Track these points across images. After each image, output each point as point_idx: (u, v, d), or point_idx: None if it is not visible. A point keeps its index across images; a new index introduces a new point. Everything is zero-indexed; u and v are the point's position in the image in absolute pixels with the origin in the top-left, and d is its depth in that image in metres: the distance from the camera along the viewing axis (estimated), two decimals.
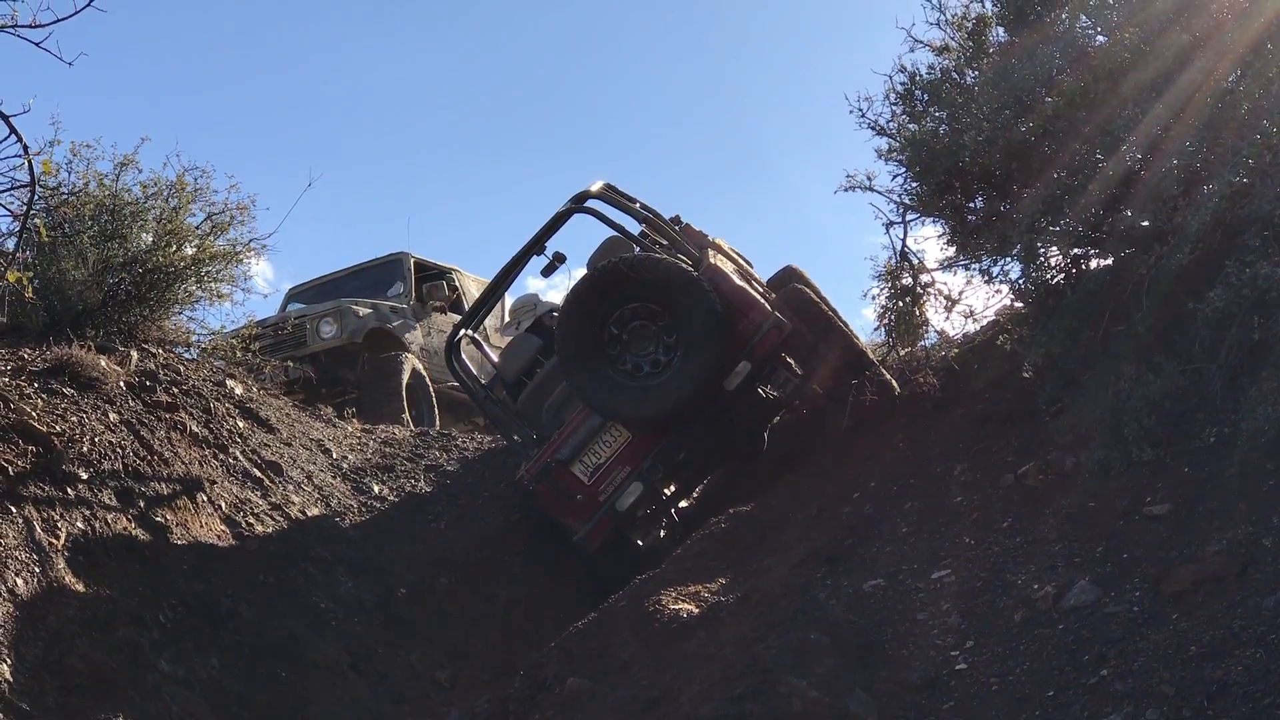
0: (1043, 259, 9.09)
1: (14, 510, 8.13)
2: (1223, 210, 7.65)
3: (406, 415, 16.66)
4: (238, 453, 11.50)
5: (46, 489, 8.65)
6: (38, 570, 7.86)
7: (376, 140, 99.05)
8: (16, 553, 7.82)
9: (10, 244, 11.45)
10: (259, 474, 11.47)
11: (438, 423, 17.41)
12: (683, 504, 12.71)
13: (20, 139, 6.39)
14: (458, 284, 20.02)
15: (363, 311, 17.63)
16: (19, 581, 7.60)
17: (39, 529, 8.21)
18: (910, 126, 10.13)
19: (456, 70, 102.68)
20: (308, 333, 17.23)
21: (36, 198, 6.91)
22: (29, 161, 6.50)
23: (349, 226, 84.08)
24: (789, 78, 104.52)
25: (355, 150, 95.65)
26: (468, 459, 14.23)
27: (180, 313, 13.51)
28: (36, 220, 8.37)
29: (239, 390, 13.00)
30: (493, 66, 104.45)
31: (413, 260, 19.53)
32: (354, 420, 15.31)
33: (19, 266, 7.86)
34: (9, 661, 7.02)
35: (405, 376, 17.11)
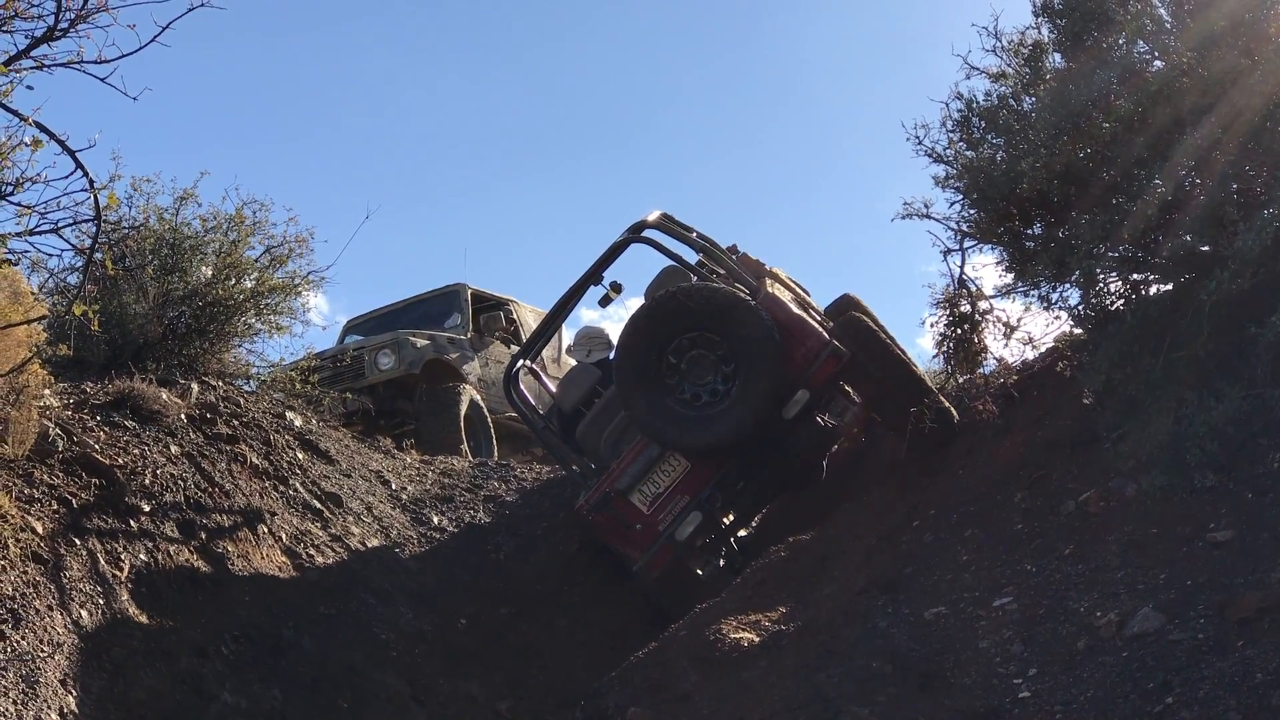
0: (1102, 284, 9.04)
1: (78, 543, 8.20)
2: None
3: (465, 446, 16.69)
4: (298, 484, 11.56)
5: (109, 521, 8.72)
6: (101, 602, 7.92)
7: (434, 172, 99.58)
8: (81, 585, 7.88)
9: (73, 278, 11.60)
10: (319, 505, 11.53)
11: (496, 453, 17.46)
12: (742, 533, 12.70)
13: (86, 173, 6.46)
14: (515, 315, 20.06)
15: (420, 343, 17.69)
16: (83, 613, 7.66)
17: (103, 561, 8.27)
18: (967, 153, 10.10)
19: (513, 101, 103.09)
20: (366, 364, 17.31)
21: (99, 232, 6.97)
22: (94, 196, 6.56)
23: (406, 258, 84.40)
24: (845, 107, 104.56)
25: (412, 182, 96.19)
26: (526, 489, 14.26)
27: (240, 345, 13.66)
28: (101, 254, 8.45)
29: (298, 422, 13.07)
30: (549, 98, 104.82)
31: (470, 291, 19.59)
32: (412, 451, 15.38)
33: (84, 299, 7.90)
34: (75, 693, 7.07)
35: (463, 407, 17.14)
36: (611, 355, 13.28)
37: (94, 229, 6.85)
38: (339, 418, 15.28)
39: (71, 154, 6.41)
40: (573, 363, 14.04)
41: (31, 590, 7.53)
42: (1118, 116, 8.68)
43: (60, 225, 6.82)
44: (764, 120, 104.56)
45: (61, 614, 7.54)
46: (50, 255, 10.49)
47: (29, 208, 6.61)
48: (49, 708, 6.84)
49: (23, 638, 7.12)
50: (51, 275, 12.27)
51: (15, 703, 6.68)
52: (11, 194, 6.60)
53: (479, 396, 17.82)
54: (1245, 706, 5.77)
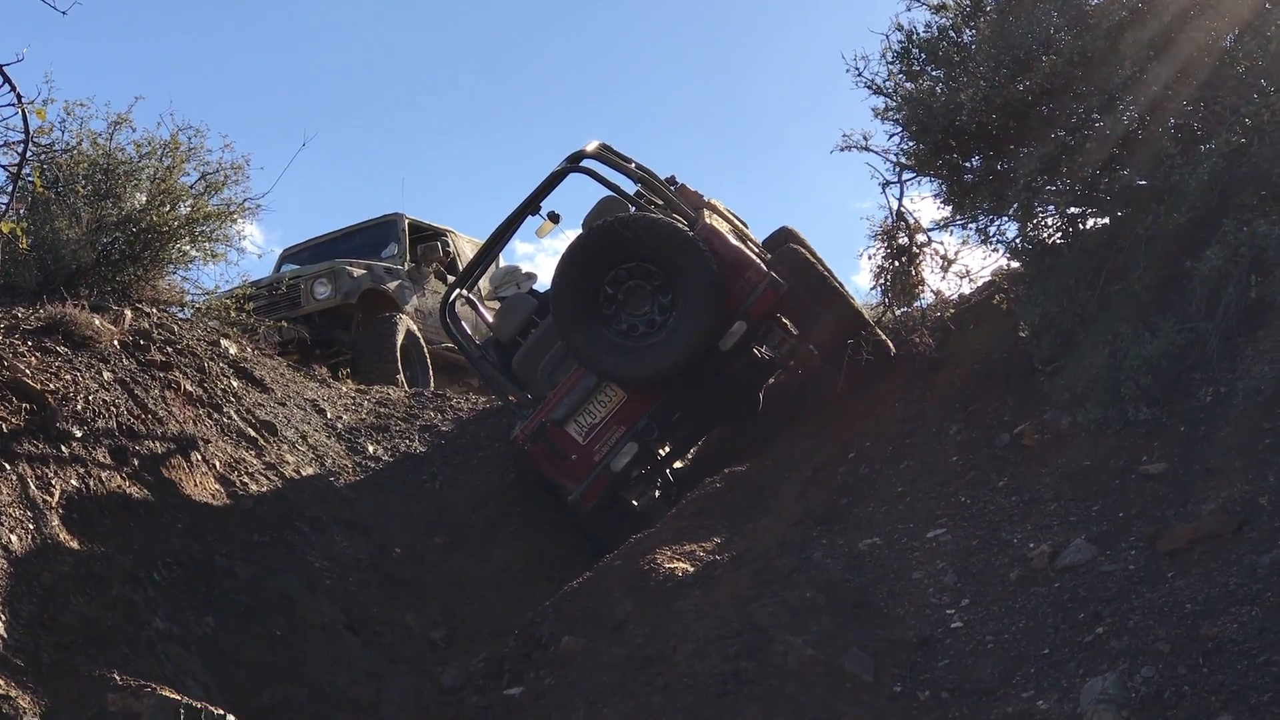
0: (1039, 218, 9.07)
1: (7, 467, 8.10)
2: (1220, 169, 7.64)
3: (401, 376, 16.61)
4: (232, 412, 11.48)
5: (40, 446, 8.62)
6: (31, 527, 7.84)
7: (370, 101, 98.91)
8: (10, 509, 7.80)
9: (3, 200, 11.45)
10: (253, 433, 11.45)
11: (432, 384, 17.39)
12: (678, 465, 12.74)
13: (14, 88, 6.35)
14: (452, 246, 19.94)
15: (357, 272, 17.56)
16: (13, 538, 7.58)
17: (33, 486, 8.18)
18: (907, 85, 10.08)
19: (450, 29, 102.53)
20: (302, 293, 17.15)
21: (30, 154, 6.85)
22: (22, 111, 6.46)
23: (342, 188, 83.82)
24: (785, 37, 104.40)
25: (349, 111, 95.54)
26: (462, 419, 14.21)
27: (174, 272, 13.51)
28: (30, 172, 8.30)
29: (233, 350, 12.96)
30: (487, 25, 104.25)
31: (407, 221, 19.45)
32: (348, 381, 15.29)
33: (13, 218, 7.79)
34: (3, 618, 7.00)
35: (400, 337, 17.03)
36: (528, 285, 13.33)
37: (23, 145, 6.74)
38: (274, 346, 15.16)
39: None
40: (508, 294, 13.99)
41: None
42: (1058, 50, 8.69)
43: None
44: (703, 51, 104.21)
45: None
46: None
47: None
48: None
49: None
50: None
51: None
52: None
53: (415, 326, 17.71)
54: (1174, 636, 5.84)
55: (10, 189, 8.55)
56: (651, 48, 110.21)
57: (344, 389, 14.71)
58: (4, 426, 8.44)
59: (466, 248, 20.01)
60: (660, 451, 11.78)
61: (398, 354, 16.86)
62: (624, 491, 11.37)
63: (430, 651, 9.78)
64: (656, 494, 11.92)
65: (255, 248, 36.63)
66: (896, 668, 6.73)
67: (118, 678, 6.86)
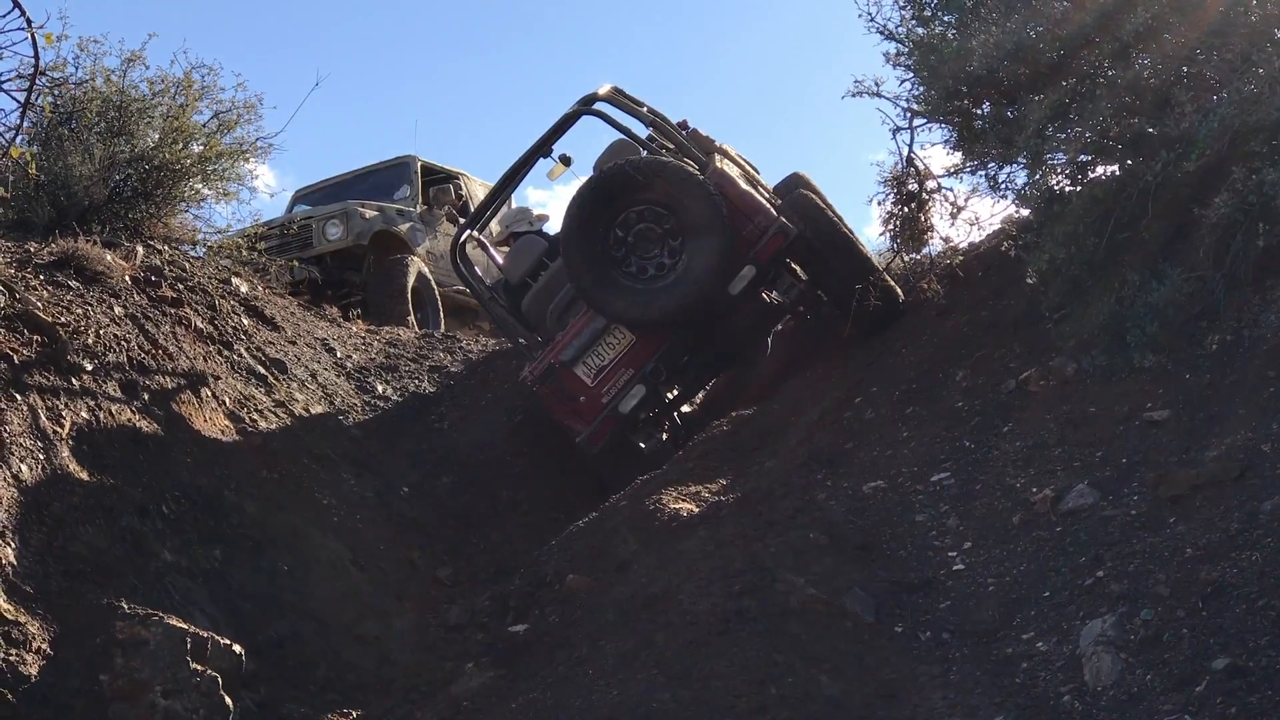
0: (1049, 165, 9.05)
1: (19, 398, 8.14)
2: (1231, 118, 7.62)
3: (412, 318, 16.63)
4: (242, 350, 11.51)
5: (51, 378, 8.65)
6: (42, 457, 7.88)
7: (385, 41, 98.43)
8: (21, 439, 7.84)
9: (20, 139, 11.46)
10: (263, 371, 11.48)
11: (443, 325, 17.40)
12: (685, 408, 12.75)
13: (24, 12, 6.35)
14: (465, 189, 19.89)
15: (369, 214, 17.54)
16: (23, 468, 7.62)
17: (44, 417, 8.22)
18: (919, 30, 10.05)
19: None
20: (314, 234, 17.13)
21: (44, 84, 6.86)
22: (32, 37, 6.47)
23: (356, 129, 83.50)
24: None
25: (362, 51, 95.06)
26: (471, 361, 14.25)
27: (186, 211, 13.53)
28: (39, 98, 8.28)
29: (244, 288, 12.98)
30: None
31: (420, 164, 19.40)
32: (359, 321, 15.30)
33: (23, 143, 7.79)
34: (13, 545, 7.06)
35: (411, 279, 17.03)
36: (539, 227, 13.35)
37: (33, 68, 6.74)
38: (285, 286, 15.18)
39: None
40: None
41: None
42: None
43: (2, 79, 6.73)
44: None
45: (0, 468, 7.51)
46: None
47: None
48: None
49: None
50: None
51: None
52: None
53: (427, 269, 17.72)
54: (1174, 580, 5.88)
55: (19, 116, 8.51)
56: None
57: (354, 329, 14.73)
58: (15, 358, 8.48)
59: (479, 191, 19.92)
60: (668, 394, 11.81)
61: (409, 295, 16.87)
62: (631, 434, 11.38)
63: (436, 589, 9.86)
64: (664, 437, 11.96)
65: (268, 188, 36.55)
66: (898, 608, 6.78)
67: (126, 606, 6.91)
